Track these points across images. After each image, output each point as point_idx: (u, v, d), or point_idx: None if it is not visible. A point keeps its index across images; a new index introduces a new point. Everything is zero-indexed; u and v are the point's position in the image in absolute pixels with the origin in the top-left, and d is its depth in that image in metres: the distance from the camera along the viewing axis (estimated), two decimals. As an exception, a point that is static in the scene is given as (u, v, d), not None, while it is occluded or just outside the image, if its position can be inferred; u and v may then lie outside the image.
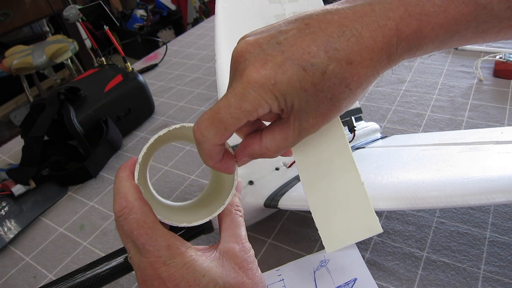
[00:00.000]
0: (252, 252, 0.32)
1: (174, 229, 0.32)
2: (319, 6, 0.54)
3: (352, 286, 0.40)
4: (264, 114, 0.26)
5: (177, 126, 0.31)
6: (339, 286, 0.40)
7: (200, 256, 0.29)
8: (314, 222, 0.48)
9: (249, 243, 0.33)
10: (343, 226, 0.30)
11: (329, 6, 0.26)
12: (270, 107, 0.25)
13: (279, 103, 0.25)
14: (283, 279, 0.42)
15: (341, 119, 0.53)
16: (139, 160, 0.31)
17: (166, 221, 0.30)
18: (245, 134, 0.30)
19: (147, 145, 0.30)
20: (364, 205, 0.29)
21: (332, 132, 0.30)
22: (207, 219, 0.32)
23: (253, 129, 0.30)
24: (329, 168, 0.30)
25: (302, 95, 0.25)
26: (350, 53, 0.24)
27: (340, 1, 0.26)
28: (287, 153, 0.32)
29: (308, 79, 0.24)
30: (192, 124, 0.31)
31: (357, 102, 0.57)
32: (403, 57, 0.26)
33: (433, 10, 0.24)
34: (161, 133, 0.31)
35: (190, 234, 0.40)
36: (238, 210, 0.34)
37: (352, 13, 0.24)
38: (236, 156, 0.30)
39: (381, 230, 0.29)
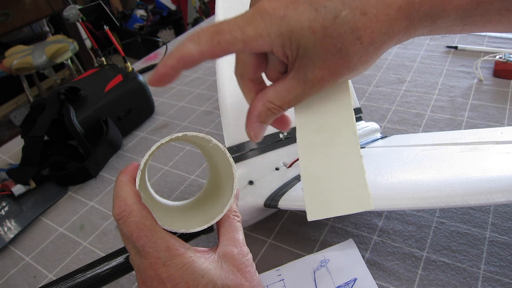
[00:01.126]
0: (250, 256, 0.32)
1: None
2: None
3: (352, 286, 0.40)
4: (264, 49, 0.25)
5: (179, 134, 0.31)
6: (339, 286, 0.40)
7: (199, 257, 0.29)
8: (314, 222, 0.48)
9: (247, 247, 0.33)
10: (331, 196, 0.28)
11: None
12: (271, 43, 0.24)
13: (282, 41, 0.24)
14: (283, 279, 0.42)
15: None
16: (141, 167, 0.31)
17: (165, 227, 0.30)
18: (251, 91, 0.29)
19: (149, 152, 0.30)
20: (358, 178, 0.27)
21: (339, 99, 0.28)
22: (204, 227, 0.32)
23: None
24: (329, 136, 0.29)
25: (309, 36, 0.24)
26: (366, 4, 0.23)
27: None
28: (283, 124, 0.31)
29: (318, 20, 0.23)
30: (195, 133, 0.31)
31: (357, 102, 0.57)
32: (423, 24, 0.24)
33: None
34: (163, 141, 0.31)
35: (190, 234, 0.40)
36: (236, 216, 0.35)
37: None
38: (247, 126, 0.29)
39: (371, 207, 0.27)
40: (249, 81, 0.29)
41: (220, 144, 0.32)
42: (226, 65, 0.46)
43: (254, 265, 0.32)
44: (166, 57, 0.26)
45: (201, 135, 0.32)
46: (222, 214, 0.33)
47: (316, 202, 0.28)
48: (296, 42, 0.24)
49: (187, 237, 0.38)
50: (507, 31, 0.26)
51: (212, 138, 0.32)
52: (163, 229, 0.30)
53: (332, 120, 0.28)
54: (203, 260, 0.29)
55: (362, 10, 0.23)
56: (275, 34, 0.24)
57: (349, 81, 0.28)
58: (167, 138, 0.31)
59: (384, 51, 0.26)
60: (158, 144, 0.30)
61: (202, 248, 0.31)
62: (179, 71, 0.27)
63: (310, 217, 0.28)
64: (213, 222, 0.32)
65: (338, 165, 0.28)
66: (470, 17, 0.24)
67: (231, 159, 0.32)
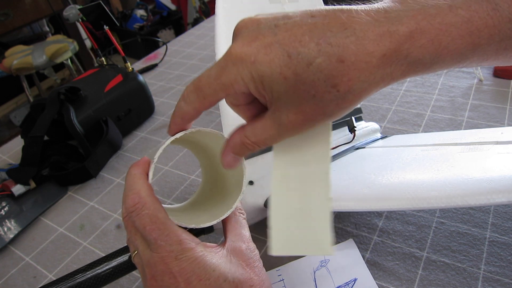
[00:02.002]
0: (257, 252, 0.33)
1: None
2: (320, 6, 0.54)
3: (352, 286, 0.40)
4: (242, 93, 0.26)
5: (194, 130, 0.31)
6: (339, 286, 0.40)
7: (209, 252, 0.30)
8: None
9: (253, 243, 0.33)
10: (296, 235, 0.28)
11: (345, 6, 0.24)
12: (247, 86, 0.25)
13: (256, 84, 0.24)
14: (283, 279, 0.42)
15: (341, 119, 0.53)
16: (155, 160, 0.31)
17: (176, 222, 0.30)
18: (247, 115, 0.29)
19: (164, 146, 0.30)
20: (323, 221, 0.27)
21: (318, 137, 0.28)
22: (215, 221, 0.32)
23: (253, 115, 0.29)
24: (303, 171, 0.29)
25: (281, 82, 0.23)
26: (344, 51, 0.22)
27: (358, 5, 0.24)
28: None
29: (290, 66, 0.23)
30: (209, 130, 0.31)
31: (357, 102, 0.57)
32: (414, 69, 0.23)
33: (455, 20, 0.22)
34: (177, 135, 0.30)
35: (197, 230, 0.40)
36: (241, 213, 0.35)
37: (364, 15, 0.23)
38: (221, 154, 0.30)
39: (331, 253, 0.27)
40: (243, 107, 0.29)
41: None
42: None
43: (262, 262, 0.32)
44: (172, 117, 0.29)
45: (215, 131, 0.31)
46: (231, 210, 0.33)
47: (282, 238, 0.28)
48: (268, 87, 0.24)
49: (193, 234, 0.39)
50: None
51: (225, 136, 0.32)
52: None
53: (308, 156, 0.28)
54: (213, 254, 0.30)
55: (339, 58, 0.22)
56: (247, 79, 0.24)
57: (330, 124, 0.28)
58: (181, 133, 0.30)
59: (368, 96, 0.24)
60: (172, 138, 0.30)
61: (211, 244, 0.31)
62: (188, 124, 0.30)
63: (274, 252, 0.28)
64: (223, 217, 0.33)
65: (307, 204, 0.28)
66: (466, 59, 0.23)
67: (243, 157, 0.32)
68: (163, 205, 0.35)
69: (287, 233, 0.28)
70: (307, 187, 0.28)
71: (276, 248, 0.28)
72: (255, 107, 0.29)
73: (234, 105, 0.29)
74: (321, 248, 0.27)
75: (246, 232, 0.34)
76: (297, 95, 0.23)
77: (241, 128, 0.28)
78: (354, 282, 0.40)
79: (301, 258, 0.44)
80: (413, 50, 0.22)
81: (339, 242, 0.45)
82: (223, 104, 0.45)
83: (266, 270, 0.43)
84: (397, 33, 0.22)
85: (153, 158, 0.31)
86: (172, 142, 0.31)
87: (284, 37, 0.23)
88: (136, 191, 0.30)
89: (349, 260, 0.42)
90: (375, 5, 0.23)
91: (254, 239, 0.47)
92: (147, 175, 0.31)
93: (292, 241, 0.28)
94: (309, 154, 0.28)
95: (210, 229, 0.40)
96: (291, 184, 0.29)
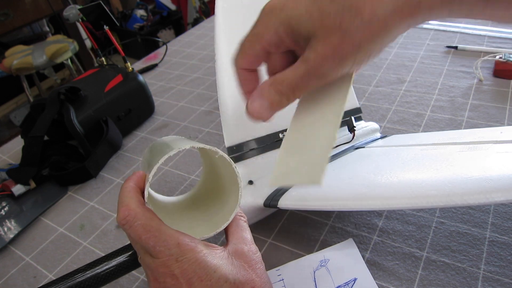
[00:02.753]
0: (259, 254, 0.33)
1: None
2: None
3: (352, 286, 0.40)
4: (274, 40, 0.27)
5: (187, 147, 0.32)
6: (339, 286, 0.40)
7: (210, 253, 0.30)
8: (314, 222, 0.48)
9: (255, 246, 0.33)
10: (294, 167, 0.28)
11: None
12: (277, 32, 0.26)
13: (285, 28, 0.26)
14: (283, 279, 0.42)
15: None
16: (149, 179, 0.32)
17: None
18: (247, 80, 0.30)
19: (157, 165, 0.31)
20: (321, 156, 0.27)
21: (338, 91, 0.29)
22: (212, 234, 0.33)
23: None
24: (318, 115, 0.29)
25: (308, 19, 0.25)
26: None
27: None
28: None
29: (315, 4, 0.24)
30: (202, 145, 0.32)
31: (357, 102, 0.57)
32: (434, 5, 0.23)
33: None
34: (170, 153, 0.31)
35: None
36: (241, 216, 0.35)
37: None
38: (250, 105, 0.29)
39: (320, 184, 0.26)
40: (245, 71, 0.30)
41: (226, 156, 0.33)
42: (226, 65, 0.46)
43: (264, 263, 0.32)
44: (234, 60, 0.30)
45: (208, 147, 0.32)
46: (227, 222, 0.34)
47: (281, 171, 0.28)
48: (297, 27, 0.25)
49: None
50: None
51: (218, 150, 0.33)
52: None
53: (326, 106, 0.29)
54: (214, 255, 0.30)
55: None
56: (277, 24, 0.26)
57: (352, 77, 0.28)
58: (174, 151, 0.31)
59: (395, 30, 0.25)
60: (165, 157, 0.31)
61: (212, 244, 0.32)
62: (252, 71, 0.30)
63: (271, 183, 0.28)
64: (219, 229, 0.34)
65: (312, 141, 0.28)
66: None
67: (237, 171, 0.33)
68: (163, 197, 0.36)
69: (287, 166, 0.28)
70: (317, 127, 0.28)
71: (275, 180, 0.28)
72: (256, 78, 0.30)
73: (240, 64, 0.30)
74: (312, 179, 0.26)
75: (248, 235, 0.34)
76: (324, 29, 0.24)
77: (271, 78, 0.28)
78: (354, 282, 0.40)
79: (301, 258, 0.44)
80: None
81: (338, 242, 0.45)
82: (223, 103, 0.45)
83: (266, 270, 0.43)
84: None
85: (148, 176, 0.32)
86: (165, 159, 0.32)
87: None
88: (126, 203, 0.30)
89: (349, 260, 0.42)
90: None
91: (254, 239, 0.47)
92: (140, 188, 0.32)
93: (289, 173, 0.28)
94: (328, 102, 0.29)
95: None
96: (306, 125, 0.29)
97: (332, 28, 0.24)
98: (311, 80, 0.27)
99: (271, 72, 0.30)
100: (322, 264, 0.42)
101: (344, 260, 0.42)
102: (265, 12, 0.27)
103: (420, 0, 0.23)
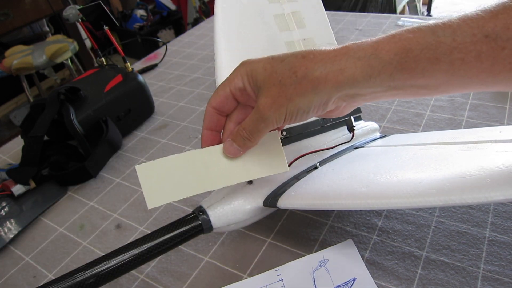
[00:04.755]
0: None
1: None
2: (318, 5, 0.54)
3: (351, 286, 0.40)
4: (240, 86, 0.35)
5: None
6: (338, 286, 0.40)
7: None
8: (313, 221, 0.48)
9: None
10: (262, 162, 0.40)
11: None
12: (242, 79, 0.35)
13: (248, 77, 0.34)
14: (282, 279, 0.42)
15: (340, 118, 0.53)
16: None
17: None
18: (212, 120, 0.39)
19: None
20: (277, 150, 0.41)
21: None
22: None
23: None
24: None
25: (262, 72, 0.33)
26: (307, 53, 0.32)
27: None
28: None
29: (270, 62, 0.34)
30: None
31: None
32: (360, 63, 0.30)
33: (389, 35, 0.31)
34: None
35: (190, 234, 0.40)
36: None
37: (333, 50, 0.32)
38: (224, 144, 0.38)
39: (287, 169, 0.40)
40: (214, 111, 0.38)
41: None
42: (226, 65, 0.46)
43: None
44: (209, 100, 0.38)
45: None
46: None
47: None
48: (254, 78, 0.34)
49: (187, 236, 0.39)
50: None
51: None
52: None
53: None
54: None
55: (303, 56, 0.32)
56: (243, 73, 0.35)
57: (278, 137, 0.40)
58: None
59: (322, 92, 0.32)
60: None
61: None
62: (212, 129, 0.39)
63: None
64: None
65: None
66: (405, 61, 0.29)
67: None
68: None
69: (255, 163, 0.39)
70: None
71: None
72: (221, 123, 0.39)
73: (212, 107, 0.38)
74: (279, 168, 0.40)
75: None
76: (270, 82, 0.33)
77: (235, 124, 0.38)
78: (353, 282, 0.40)
79: (301, 258, 0.44)
80: (357, 51, 0.31)
81: (338, 242, 0.45)
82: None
83: (265, 270, 0.43)
84: (348, 44, 0.32)
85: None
86: None
87: (273, 55, 0.34)
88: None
89: (348, 260, 0.42)
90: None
91: (253, 239, 0.48)
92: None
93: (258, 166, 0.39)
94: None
95: (209, 229, 0.40)
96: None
97: (275, 82, 0.33)
98: (260, 124, 0.35)
99: (237, 123, 0.39)
100: (322, 264, 0.42)
101: (343, 260, 0.42)
102: (240, 64, 0.35)
103: (341, 68, 0.31)
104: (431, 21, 0.29)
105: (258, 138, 0.37)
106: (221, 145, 0.39)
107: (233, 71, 0.36)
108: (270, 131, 0.38)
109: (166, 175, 0.37)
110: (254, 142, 0.37)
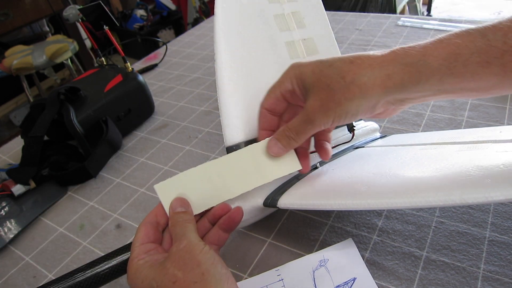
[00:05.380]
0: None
1: None
2: (318, 5, 0.54)
3: (351, 285, 0.40)
4: (289, 88, 0.37)
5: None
6: (338, 286, 0.40)
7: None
8: (314, 221, 0.48)
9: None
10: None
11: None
12: (292, 81, 0.36)
13: (297, 80, 0.36)
14: (282, 279, 0.42)
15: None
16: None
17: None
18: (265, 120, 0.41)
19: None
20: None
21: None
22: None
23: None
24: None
25: (311, 75, 0.34)
26: (355, 58, 0.33)
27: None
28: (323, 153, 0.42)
29: (319, 66, 0.34)
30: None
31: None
32: (407, 70, 0.31)
33: (437, 40, 0.31)
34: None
35: None
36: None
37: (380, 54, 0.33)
38: (268, 142, 0.39)
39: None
40: (267, 112, 0.40)
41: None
42: (226, 65, 0.46)
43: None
44: (261, 102, 0.40)
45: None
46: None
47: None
48: (303, 81, 0.35)
49: None
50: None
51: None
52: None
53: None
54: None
55: (351, 61, 0.33)
56: (293, 76, 0.36)
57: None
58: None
59: (370, 96, 0.32)
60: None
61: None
62: (267, 129, 0.41)
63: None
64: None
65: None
66: (454, 67, 0.29)
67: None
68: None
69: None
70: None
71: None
72: (275, 121, 0.40)
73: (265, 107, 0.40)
74: (293, 166, 0.41)
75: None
76: (319, 85, 0.34)
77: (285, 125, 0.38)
78: (353, 282, 0.40)
79: (301, 258, 0.44)
80: (405, 56, 0.31)
81: (338, 242, 0.45)
82: (222, 103, 0.45)
83: (266, 270, 0.43)
84: (396, 49, 0.32)
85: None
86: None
87: (321, 59, 0.35)
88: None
89: (348, 259, 0.42)
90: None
91: (254, 239, 0.48)
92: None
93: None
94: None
95: None
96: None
97: (323, 86, 0.33)
98: (307, 126, 0.36)
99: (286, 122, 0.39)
100: (322, 264, 0.42)
101: (343, 260, 0.42)
102: (289, 67, 0.37)
103: (389, 74, 0.31)
104: (480, 24, 0.29)
105: (303, 139, 0.37)
106: (232, 154, 0.39)
107: (283, 74, 0.37)
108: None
109: (185, 190, 0.37)
110: (299, 142, 0.37)
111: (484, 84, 0.29)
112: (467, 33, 0.29)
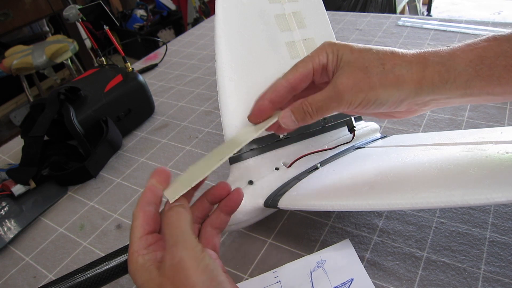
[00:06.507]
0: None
1: None
2: (318, 5, 0.54)
3: (349, 286, 0.40)
4: (323, 61, 0.35)
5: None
6: (336, 287, 0.40)
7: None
8: (314, 222, 0.48)
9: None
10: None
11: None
12: (327, 55, 0.35)
13: (333, 55, 0.35)
14: (280, 281, 0.42)
15: (341, 118, 0.53)
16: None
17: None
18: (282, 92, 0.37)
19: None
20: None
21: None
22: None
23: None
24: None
25: (349, 54, 0.34)
26: (397, 50, 0.33)
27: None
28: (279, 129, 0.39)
29: (359, 47, 0.34)
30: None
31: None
32: (437, 68, 0.32)
33: (465, 43, 0.32)
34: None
35: None
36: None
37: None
38: (282, 113, 0.37)
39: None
40: (286, 88, 0.37)
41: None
42: (226, 65, 0.46)
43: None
44: (264, 92, 0.37)
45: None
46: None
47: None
48: (339, 56, 0.34)
49: None
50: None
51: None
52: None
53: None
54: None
55: (392, 51, 0.33)
56: (330, 51, 0.35)
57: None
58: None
59: (404, 87, 0.33)
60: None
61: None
62: (275, 103, 0.37)
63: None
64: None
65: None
66: (480, 69, 0.30)
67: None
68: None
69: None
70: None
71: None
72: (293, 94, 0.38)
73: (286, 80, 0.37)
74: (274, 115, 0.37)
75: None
76: (356, 65, 0.33)
77: (303, 98, 0.36)
78: (351, 282, 0.40)
79: (298, 259, 0.44)
80: (435, 56, 0.32)
81: (335, 243, 0.45)
82: (223, 103, 0.45)
83: (263, 272, 0.43)
84: (428, 50, 0.33)
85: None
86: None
87: (359, 44, 0.35)
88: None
89: (346, 260, 0.42)
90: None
91: (254, 239, 0.48)
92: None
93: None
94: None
95: None
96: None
97: (361, 66, 0.33)
98: (332, 103, 0.35)
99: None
100: (319, 265, 0.42)
101: (341, 260, 0.42)
102: (324, 43, 0.36)
103: (424, 71, 0.32)
104: (507, 30, 0.30)
105: (321, 116, 0.36)
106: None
107: (316, 49, 0.36)
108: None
109: (187, 180, 0.35)
110: (314, 119, 0.36)
111: (510, 89, 0.30)
112: (494, 38, 0.30)
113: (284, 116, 0.37)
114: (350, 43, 0.35)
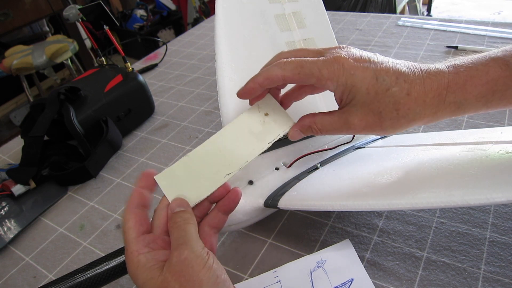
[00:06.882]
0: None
1: None
2: (318, 5, 0.54)
3: (349, 286, 0.40)
4: (328, 88, 0.35)
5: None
6: (336, 287, 0.40)
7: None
8: (314, 222, 0.48)
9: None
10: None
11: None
12: (335, 87, 0.34)
13: (344, 89, 0.34)
14: (280, 281, 0.42)
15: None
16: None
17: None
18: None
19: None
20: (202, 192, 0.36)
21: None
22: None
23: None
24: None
25: (364, 95, 0.33)
26: (412, 87, 0.32)
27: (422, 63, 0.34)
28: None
29: (375, 87, 0.32)
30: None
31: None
32: (450, 108, 0.32)
33: (476, 74, 0.31)
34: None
35: None
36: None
37: (425, 68, 0.33)
38: (295, 125, 0.38)
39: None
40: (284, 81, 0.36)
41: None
42: (226, 65, 0.46)
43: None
44: (255, 75, 0.36)
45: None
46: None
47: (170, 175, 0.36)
48: (353, 95, 0.33)
49: None
50: None
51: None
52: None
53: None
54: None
55: (408, 91, 0.32)
56: (341, 83, 0.33)
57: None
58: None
59: (411, 126, 0.34)
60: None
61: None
62: (264, 87, 0.36)
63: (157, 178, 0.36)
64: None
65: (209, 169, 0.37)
66: (491, 102, 0.32)
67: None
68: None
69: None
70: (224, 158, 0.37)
71: (162, 178, 0.35)
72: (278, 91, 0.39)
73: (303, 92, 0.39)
74: (287, 124, 0.39)
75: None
76: (370, 107, 0.33)
77: (312, 114, 0.37)
78: (351, 283, 0.40)
79: (298, 259, 0.44)
80: (449, 94, 0.32)
81: (335, 243, 0.45)
82: (222, 103, 0.45)
83: (263, 272, 0.43)
84: (442, 81, 0.32)
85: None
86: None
87: (376, 66, 0.33)
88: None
89: (346, 260, 0.42)
90: (433, 66, 0.34)
91: (254, 239, 0.48)
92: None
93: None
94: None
95: None
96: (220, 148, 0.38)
97: (375, 111, 0.33)
98: (341, 132, 0.36)
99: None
100: (319, 265, 0.42)
101: (341, 260, 0.42)
102: (340, 65, 0.33)
103: (436, 112, 0.33)
104: None
105: (325, 134, 0.39)
106: (227, 127, 0.38)
107: (331, 63, 0.33)
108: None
109: (186, 177, 0.36)
110: (318, 134, 0.38)
111: None
112: (506, 65, 0.31)
113: (293, 135, 0.38)
114: (371, 78, 0.33)
